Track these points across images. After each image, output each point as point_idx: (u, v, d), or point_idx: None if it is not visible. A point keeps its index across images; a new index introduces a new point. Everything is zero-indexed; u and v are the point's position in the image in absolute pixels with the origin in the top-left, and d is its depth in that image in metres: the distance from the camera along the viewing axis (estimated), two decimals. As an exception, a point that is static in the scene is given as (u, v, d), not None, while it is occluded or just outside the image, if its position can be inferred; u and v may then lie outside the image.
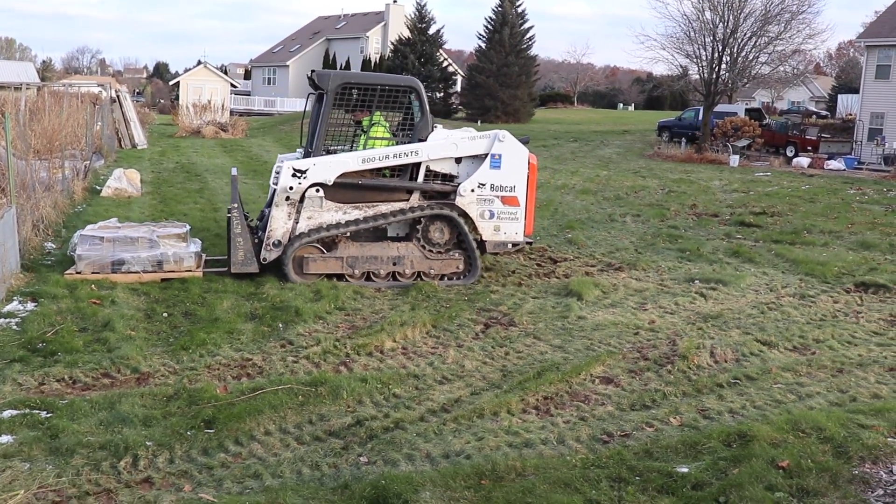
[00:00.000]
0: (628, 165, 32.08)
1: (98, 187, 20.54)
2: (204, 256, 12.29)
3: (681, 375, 8.44)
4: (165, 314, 10.11)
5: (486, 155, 11.97)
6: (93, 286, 10.92)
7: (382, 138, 12.08)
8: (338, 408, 7.32)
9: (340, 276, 11.71)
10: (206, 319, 9.84)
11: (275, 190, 11.65)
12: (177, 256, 11.66)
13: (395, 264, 11.83)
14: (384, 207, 11.82)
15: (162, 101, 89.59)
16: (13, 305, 10.06)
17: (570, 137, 44.85)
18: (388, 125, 12.33)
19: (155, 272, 11.52)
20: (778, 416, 7.33)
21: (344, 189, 11.66)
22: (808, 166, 33.34)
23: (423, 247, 11.95)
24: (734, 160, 33.66)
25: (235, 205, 11.35)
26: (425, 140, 11.93)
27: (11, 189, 11.71)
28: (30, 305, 10.14)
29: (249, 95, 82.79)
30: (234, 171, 11.96)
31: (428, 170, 11.99)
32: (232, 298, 10.75)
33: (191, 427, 6.78)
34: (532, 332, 9.84)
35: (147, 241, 11.65)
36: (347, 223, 11.66)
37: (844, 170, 32.79)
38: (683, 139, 39.84)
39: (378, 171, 11.95)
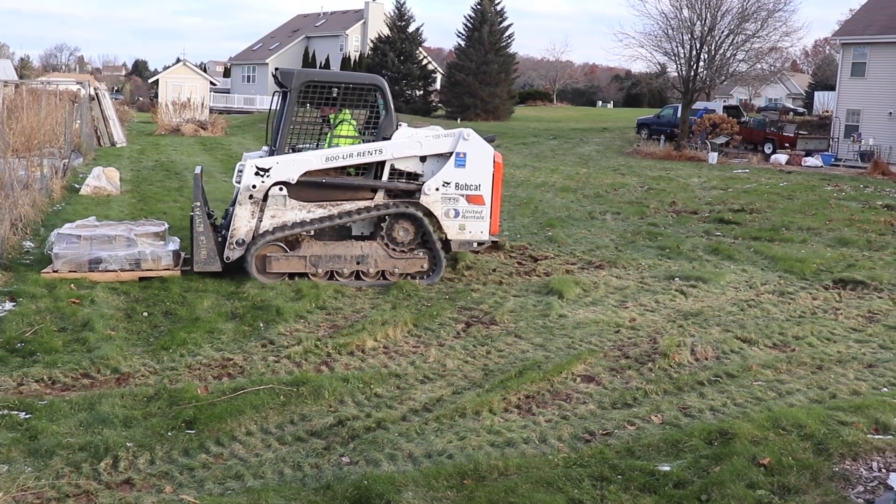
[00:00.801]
0: (608, 163, 32.17)
1: (77, 185, 20.40)
2: (183, 255, 12.21)
3: (662, 373, 8.46)
4: (146, 314, 10.04)
5: (451, 153, 11.91)
6: (72, 285, 10.84)
7: (348, 137, 12.03)
8: (319, 408, 7.29)
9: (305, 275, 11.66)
10: (186, 319, 9.78)
11: (239, 189, 11.58)
12: (154, 255, 11.59)
13: (358, 263, 11.74)
14: (348, 206, 11.75)
15: (140, 98, 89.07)
16: (-10, 305, 9.99)
17: (549, 135, 44.92)
18: (355, 123, 12.27)
19: (133, 271, 11.45)
20: (759, 413, 7.36)
21: (308, 188, 11.59)
22: (786, 163, 33.55)
23: (387, 246, 11.87)
24: (713, 157, 33.80)
25: (198, 203, 11.29)
26: (390, 138, 11.87)
27: (-12, 188, 11.61)
28: (8, 305, 10.05)
29: (229, 93, 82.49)
30: (197, 170, 11.87)
31: (393, 168, 11.92)
32: (212, 298, 10.70)
33: (171, 428, 6.73)
34: (513, 331, 9.85)
35: (125, 239, 11.56)
36: (311, 221, 11.59)
37: (822, 166, 33.02)
38: (662, 136, 40.00)
39: (342, 170, 11.89)
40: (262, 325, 9.69)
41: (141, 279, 11.38)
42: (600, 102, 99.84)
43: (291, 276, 11.60)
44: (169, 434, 6.63)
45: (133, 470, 6.06)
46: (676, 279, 12.64)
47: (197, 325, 9.48)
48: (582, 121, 60.93)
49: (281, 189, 11.40)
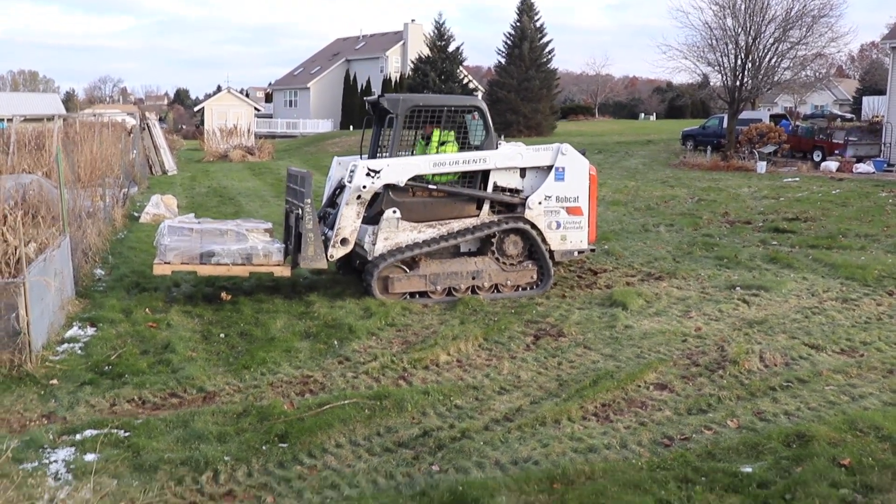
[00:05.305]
0: (655, 175, 32.16)
1: (136, 214, 20.93)
2: None
3: (733, 380, 8.59)
4: (222, 335, 10.36)
5: (550, 167, 12.45)
6: (147, 309, 11.21)
7: None
8: (403, 420, 7.53)
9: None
10: (262, 339, 10.08)
11: (335, 191, 12.30)
12: (266, 251, 11.60)
13: (474, 278, 12.22)
14: (456, 224, 12.19)
15: (184, 126, 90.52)
16: (74, 331, 10.37)
17: (594, 149, 44.89)
18: (457, 145, 12.59)
19: (244, 265, 11.52)
20: (833, 416, 7.48)
21: (417, 208, 12.02)
22: (837, 170, 33.20)
23: (499, 260, 12.35)
24: (761, 167, 33.61)
25: (309, 200, 11.47)
26: None
27: (64, 218, 12.02)
28: (90, 330, 10.44)
29: (272, 118, 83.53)
30: (298, 170, 12.17)
31: (495, 185, 12.41)
32: (284, 318, 10.99)
33: (265, 442, 7.00)
34: (582, 342, 10.02)
35: (235, 234, 11.70)
36: (425, 242, 11.96)
37: (874, 172, 32.63)
38: (708, 147, 39.85)
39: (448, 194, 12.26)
40: (336, 342, 9.95)
41: (249, 274, 11.67)
42: (642, 115, 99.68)
43: (412, 294, 12.02)
44: (263, 448, 6.90)
45: (233, 482, 6.33)
46: (738, 288, 12.72)
47: (273, 345, 9.77)
48: (625, 134, 60.81)
49: (394, 212, 11.79)
